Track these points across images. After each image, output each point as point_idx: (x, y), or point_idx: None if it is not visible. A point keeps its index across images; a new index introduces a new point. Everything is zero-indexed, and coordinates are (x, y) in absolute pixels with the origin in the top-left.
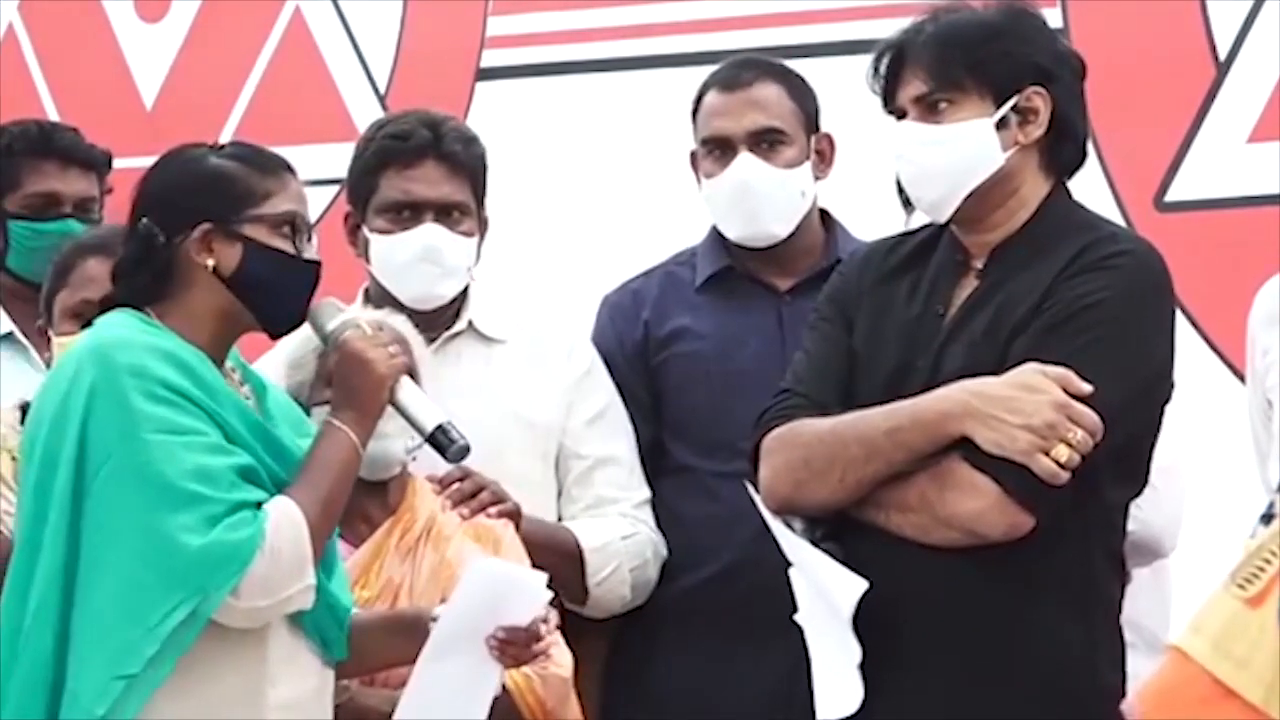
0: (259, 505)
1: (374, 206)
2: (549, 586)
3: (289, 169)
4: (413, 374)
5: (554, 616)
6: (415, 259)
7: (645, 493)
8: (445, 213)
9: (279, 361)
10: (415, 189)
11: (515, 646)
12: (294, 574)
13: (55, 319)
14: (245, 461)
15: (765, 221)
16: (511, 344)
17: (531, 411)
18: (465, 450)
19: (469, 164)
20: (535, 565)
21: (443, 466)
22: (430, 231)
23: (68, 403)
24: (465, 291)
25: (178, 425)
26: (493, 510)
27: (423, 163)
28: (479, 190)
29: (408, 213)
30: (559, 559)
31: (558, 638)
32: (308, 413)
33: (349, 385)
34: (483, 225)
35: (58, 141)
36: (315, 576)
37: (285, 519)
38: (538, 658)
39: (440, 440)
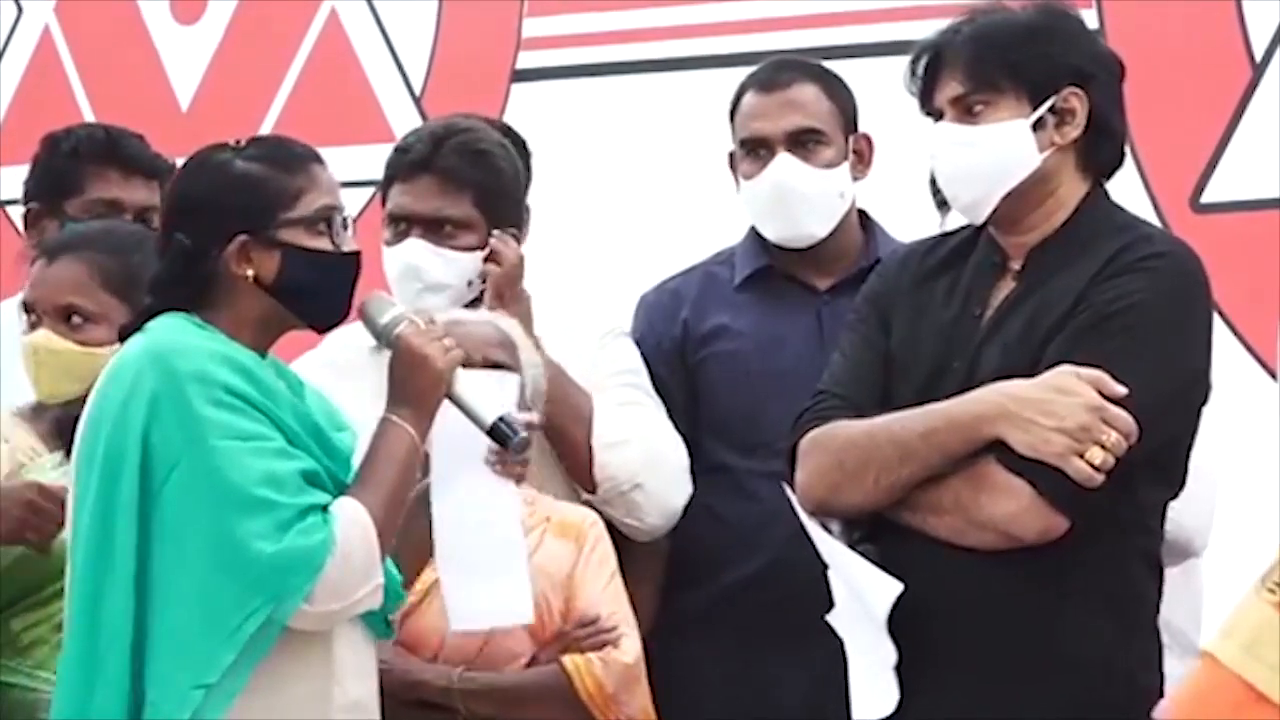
0: (324, 508)
1: (384, 218)
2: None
3: (316, 159)
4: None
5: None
6: (399, 275)
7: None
8: (434, 227)
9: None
10: (404, 202)
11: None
12: (364, 576)
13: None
14: (309, 465)
15: (804, 222)
16: (543, 343)
17: None
18: (526, 443)
19: (473, 177)
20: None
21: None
22: (410, 248)
23: (128, 411)
24: None
25: (243, 431)
26: None
27: (418, 177)
28: (491, 202)
29: (403, 226)
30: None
31: (632, 629)
32: None
33: (406, 381)
34: (486, 238)
35: (123, 149)
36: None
37: (353, 521)
38: (604, 645)
39: (501, 432)
